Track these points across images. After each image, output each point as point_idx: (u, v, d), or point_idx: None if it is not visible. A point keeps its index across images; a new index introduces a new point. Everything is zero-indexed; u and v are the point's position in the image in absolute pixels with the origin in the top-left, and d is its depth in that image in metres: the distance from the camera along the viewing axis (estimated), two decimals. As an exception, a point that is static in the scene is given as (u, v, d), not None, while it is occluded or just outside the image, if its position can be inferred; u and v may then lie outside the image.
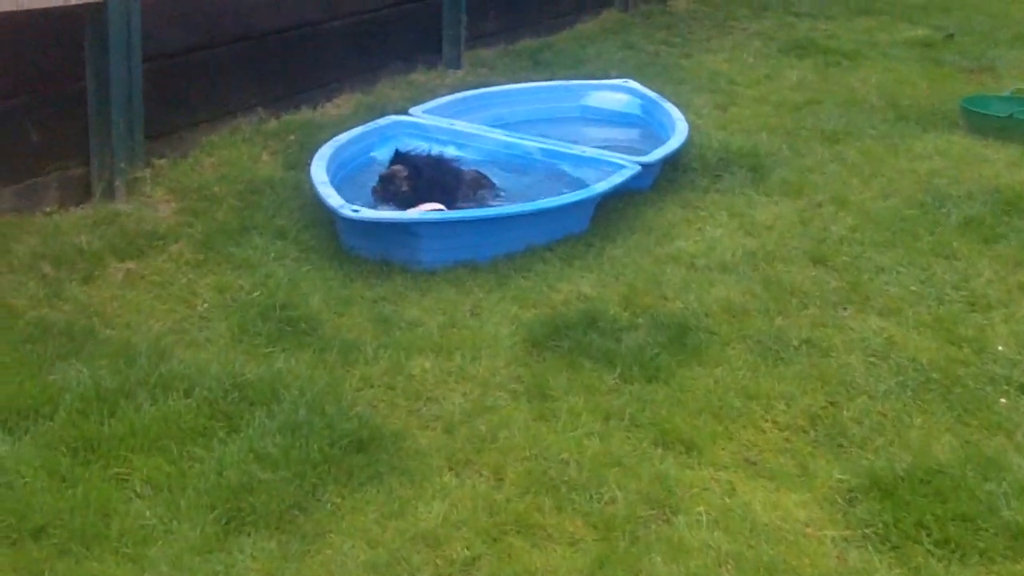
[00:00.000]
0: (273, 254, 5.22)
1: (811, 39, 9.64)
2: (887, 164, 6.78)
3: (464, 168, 5.99)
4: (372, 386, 4.31)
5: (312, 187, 5.42)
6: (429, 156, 5.86)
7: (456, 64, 8.36)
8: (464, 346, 4.59)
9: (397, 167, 5.71)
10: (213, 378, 4.15)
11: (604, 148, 6.36)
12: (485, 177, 6.01)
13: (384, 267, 5.19)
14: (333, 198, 5.20)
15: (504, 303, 4.97)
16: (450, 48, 8.35)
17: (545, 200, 5.54)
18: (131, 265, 5.04)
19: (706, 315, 4.93)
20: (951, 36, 9.93)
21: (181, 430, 3.88)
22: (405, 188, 5.59)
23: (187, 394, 4.06)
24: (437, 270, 5.21)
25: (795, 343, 4.72)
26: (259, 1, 6.76)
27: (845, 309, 5.08)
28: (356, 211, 5.09)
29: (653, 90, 7.34)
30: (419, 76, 8.04)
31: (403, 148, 5.89)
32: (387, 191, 5.62)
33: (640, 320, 4.85)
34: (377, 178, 5.73)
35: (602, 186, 5.72)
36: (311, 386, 4.17)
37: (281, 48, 6.96)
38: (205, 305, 4.76)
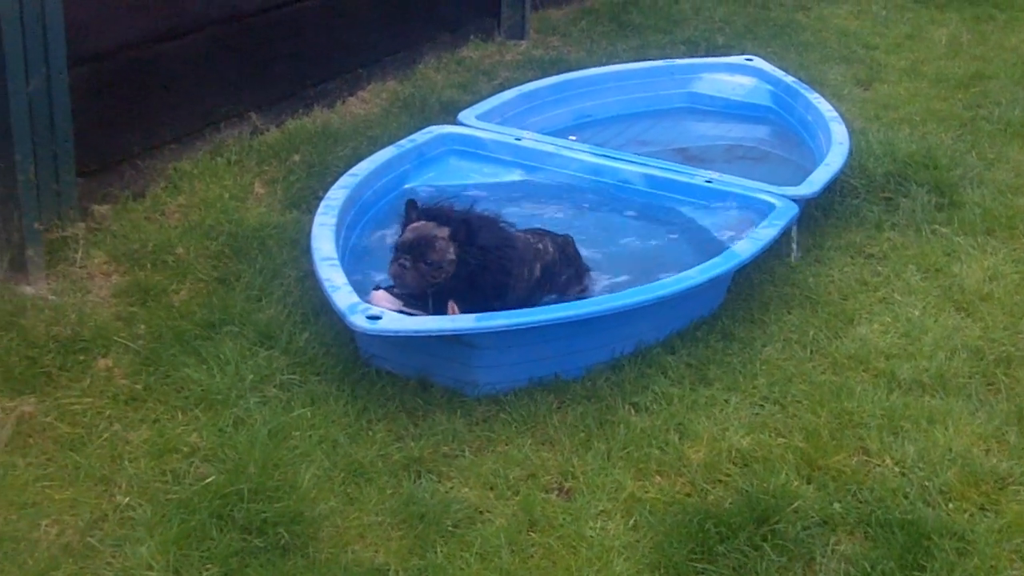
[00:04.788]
0: (251, 377, 3.36)
1: (950, -17, 8.05)
2: (1114, 175, 5.15)
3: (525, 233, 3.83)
4: None
5: (313, 267, 3.55)
6: (478, 214, 3.68)
7: (519, 33, 6.49)
8: (553, 580, 2.74)
9: (426, 226, 3.53)
10: None
11: (732, 149, 4.95)
12: (571, 245, 3.96)
13: (421, 395, 3.35)
14: (341, 295, 3.32)
15: (610, 468, 3.11)
16: (511, 11, 6.49)
17: (666, 282, 3.58)
18: (27, 406, 3.19)
19: (942, 494, 3.03)
20: None
21: None
22: (449, 261, 3.48)
23: None
24: (502, 397, 3.36)
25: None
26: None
27: None
28: (375, 318, 3.21)
29: (780, 67, 5.76)
30: (471, 52, 6.22)
31: (423, 198, 3.78)
32: (416, 272, 3.47)
33: (837, 507, 2.97)
34: (392, 248, 3.59)
35: (748, 248, 3.80)
36: None
37: (281, 28, 5.03)
38: (127, 498, 2.89)
